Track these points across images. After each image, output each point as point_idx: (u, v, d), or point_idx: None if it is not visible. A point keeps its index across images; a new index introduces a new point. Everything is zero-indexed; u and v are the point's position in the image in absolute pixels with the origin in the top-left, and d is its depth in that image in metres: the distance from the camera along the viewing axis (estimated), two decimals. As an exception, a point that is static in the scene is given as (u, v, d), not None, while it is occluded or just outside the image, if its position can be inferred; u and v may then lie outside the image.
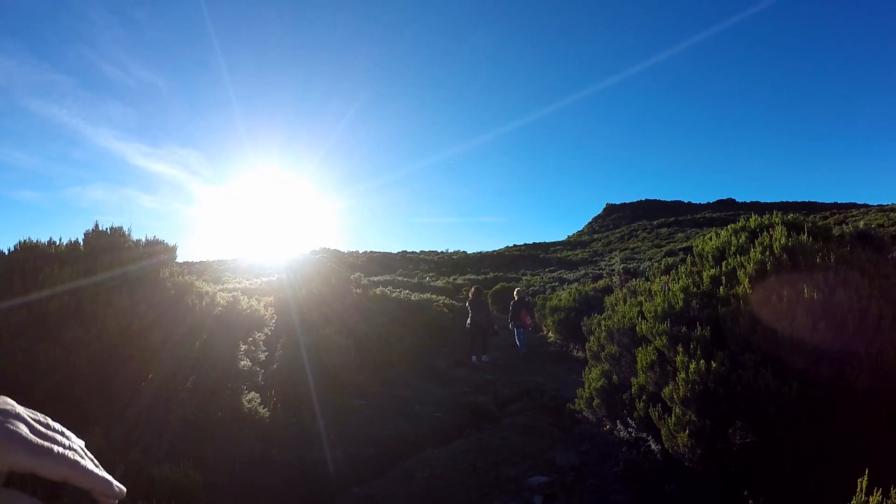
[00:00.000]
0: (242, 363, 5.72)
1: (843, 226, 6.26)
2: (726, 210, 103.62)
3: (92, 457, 0.71)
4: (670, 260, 8.55)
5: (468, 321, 13.09)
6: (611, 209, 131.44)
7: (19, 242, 4.92)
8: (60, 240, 5.10)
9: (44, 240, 5.03)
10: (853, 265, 4.50)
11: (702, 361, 4.18)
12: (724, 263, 5.08)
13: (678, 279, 5.44)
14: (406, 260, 52.70)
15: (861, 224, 6.04)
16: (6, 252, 4.86)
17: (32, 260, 4.70)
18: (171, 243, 5.60)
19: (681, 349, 4.44)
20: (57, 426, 0.70)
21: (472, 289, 13.84)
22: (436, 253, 61.28)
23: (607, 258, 52.34)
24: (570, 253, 64.68)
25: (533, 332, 16.38)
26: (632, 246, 65.89)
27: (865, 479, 2.45)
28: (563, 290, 18.16)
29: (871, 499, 2.36)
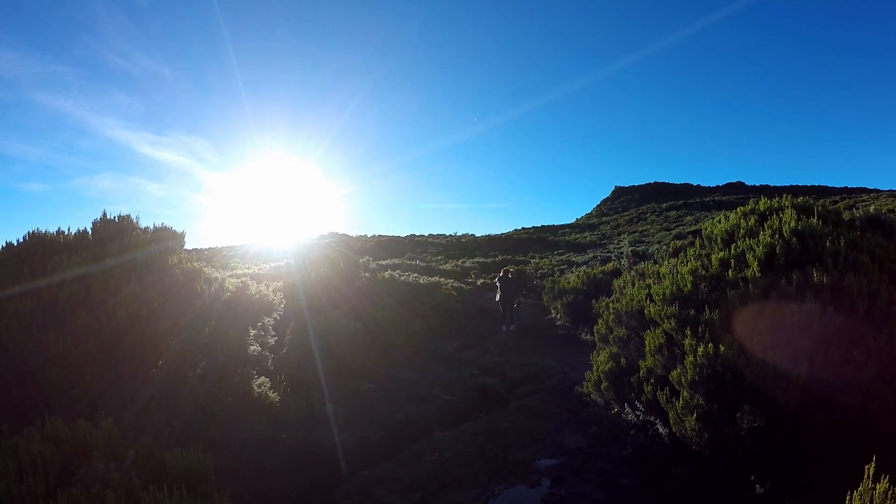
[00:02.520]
0: (252, 348, 5.76)
1: (853, 210, 6.20)
2: (735, 193, 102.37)
3: None
4: (679, 243, 8.51)
5: (497, 296, 15.37)
6: (619, 192, 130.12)
7: (28, 233, 4.95)
8: (69, 229, 5.13)
9: (52, 230, 5.06)
10: (863, 250, 4.47)
11: (710, 345, 4.16)
12: (733, 246, 5.05)
13: (687, 262, 5.41)
14: (415, 243, 52.62)
15: (871, 209, 5.98)
16: (15, 243, 4.89)
17: (41, 250, 4.73)
18: (179, 230, 5.62)
19: (689, 332, 4.43)
20: None
21: (501, 270, 16.35)
22: (444, 236, 61.07)
23: (616, 241, 52.10)
24: (578, 236, 64.46)
25: (541, 315, 16.51)
26: (640, 229, 65.57)
27: (873, 465, 2.45)
28: (572, 272, 18.10)
29: (878, 486, 2.36)
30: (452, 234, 63.20)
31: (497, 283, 15.79)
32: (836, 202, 36.52)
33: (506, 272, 15.86)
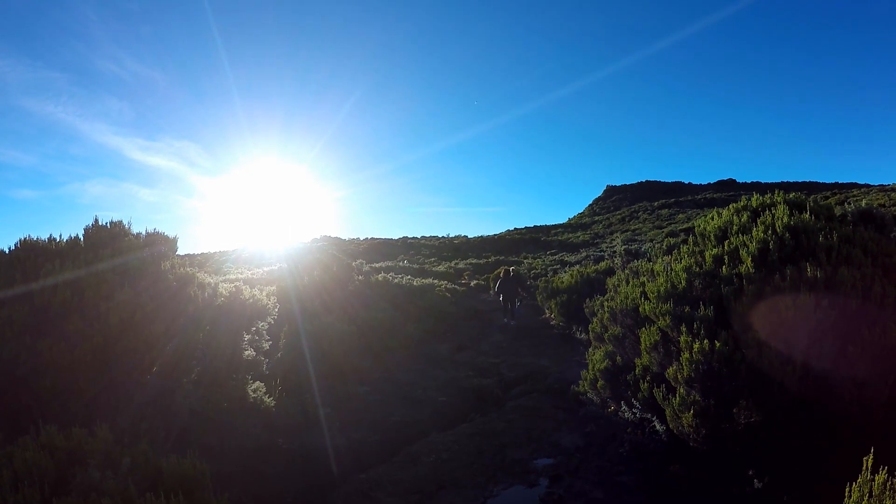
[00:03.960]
0: (246, 353, 5.73)
1: (845, 205, 6.24)
2: (727, 190, 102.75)
3: None
4: (672, 240, 8.54)
5: (500, 296, 16.33)
6: (611, 191, 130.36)
7: (20, 240, 4.92)
8: (61, 236, 5.10)
9: (44, 237, 5.03)
10: (856, 244, 4.48)
11: (705, 341, 4.17)
12: (726, 243, 5.06)
13: (681, 259, 5.42)
14: (407, 246, 52.59)
15: (863, 204, 6.01)
16: (7, 250, 4.85)
17: (33, 257, 4.69)
18: (171, 235, 5.58)
19: (684, 329, 4.43)
20: None
21: (503, 269, 18.24)
22: (437, 238, 61.06)
23: (608, 240, 52.25)
24: (571, 235, 64.59)
25: (536, 315, 16.59)
26: (633, 227, 65.77)
27: (871, 457, 2.45)
28: (565, 272, 18.18)
29: (876, 477, 2.36)
30: (445, 235, 63.20)
31: (499, 282, 16.82)
32: (827, 198, 36.74)
33: (507, 271, 17.12)
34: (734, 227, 5.29)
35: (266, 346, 6.28)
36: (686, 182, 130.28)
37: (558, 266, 28.44)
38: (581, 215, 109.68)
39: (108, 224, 5.35)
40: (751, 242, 4.74)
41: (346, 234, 63.65)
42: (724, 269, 4.76)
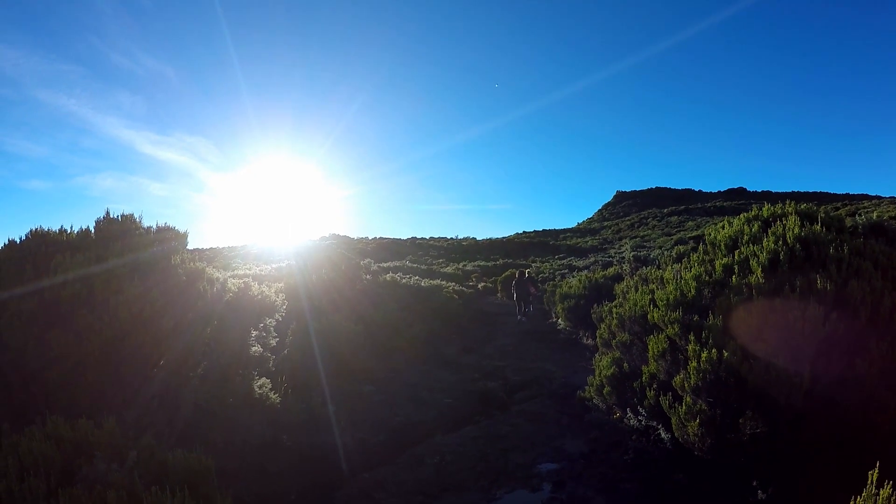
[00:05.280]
0: (253, 349, 5.74)
1: (856, 217, 6.20)
2: (737, 199, 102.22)
3: None
4: (681, 248, 8.51)
5: (513, 295, 17.97)
6: (621, 196, 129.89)
7: (31, 231, 4.94)
8: (72, 228, 5.12)
9: (55, 228, 5.05)
10: (866, 257, 4.46)
11: (713, 350, 4.15)
12: (736, 252, 5.04)
13: (690, 267, 5.40)
14: (416, 246, 52.69)
15: (874, 216, 5.97)
16: (18, 241, 4.88)
17: (44, 248, 4.72)
18: (181, 230, 5.60)
19: (692, 338, 4.42)
20: None
21: (517, 272, 19.35)
22: (445, 239, 61.12)
23: (617, 246, 52.13)
24: (579, 240, 64.48)
25: (543, 318, 16.62)
26: (642, 234, 65.55)
27: (876, 471, 2.44)
28: (573, 277, 18.18)
29: (881, 492, 2.35)
30: (454, 237, 63.24)
31: (513, 282, 18.39)
32: (837, 209, 36.49)
33: (521, 273, 18.59)
34: (745, 236, 5.28)
35: (273, 342, 6.30)
36: (696, 189, 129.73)
37: (566, 270, 28.39)
38: (590, 220, 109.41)
39: (119, 217, 5.37)
40: (761, 252, 4.73)
41: (355, 233, 63.83)
42: (733, 278, 4.74)
